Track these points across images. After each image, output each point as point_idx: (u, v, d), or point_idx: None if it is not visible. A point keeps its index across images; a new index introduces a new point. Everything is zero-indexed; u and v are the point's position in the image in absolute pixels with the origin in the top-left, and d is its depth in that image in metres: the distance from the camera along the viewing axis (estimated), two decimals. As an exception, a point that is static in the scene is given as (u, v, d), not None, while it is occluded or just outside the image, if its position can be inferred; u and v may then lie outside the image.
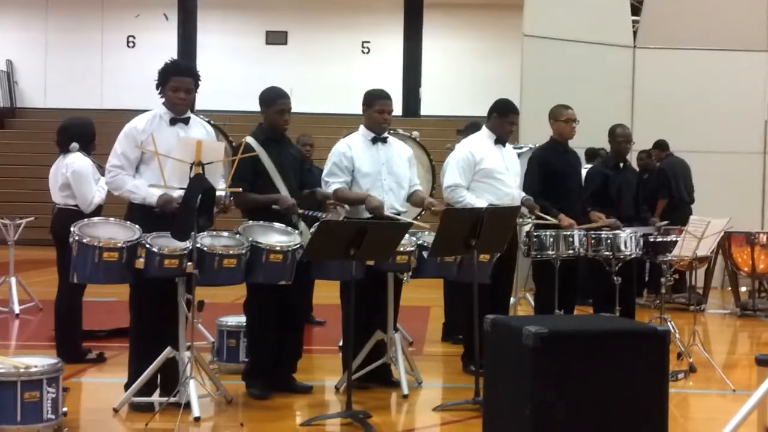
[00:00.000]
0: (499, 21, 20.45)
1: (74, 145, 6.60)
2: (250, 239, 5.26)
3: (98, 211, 6.50)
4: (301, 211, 5.66)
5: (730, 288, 10.41)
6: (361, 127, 6.11)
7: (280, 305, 5.63)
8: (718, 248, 9.17)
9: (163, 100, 5.37)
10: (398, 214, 5.98)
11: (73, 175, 6.47)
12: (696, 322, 6.88)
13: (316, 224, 5.27)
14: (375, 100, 6.04)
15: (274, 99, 5.78)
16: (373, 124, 6.04)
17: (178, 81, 5.29)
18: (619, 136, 7.55)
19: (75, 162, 6.53)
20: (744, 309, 9.78)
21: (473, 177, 6.32)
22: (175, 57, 6.89)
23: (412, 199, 6.17)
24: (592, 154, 10.25)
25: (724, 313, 10.13)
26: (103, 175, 6.42)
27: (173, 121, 5.31)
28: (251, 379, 5.65)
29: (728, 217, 6.80)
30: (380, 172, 5.98)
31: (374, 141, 6.03)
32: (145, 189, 5.15)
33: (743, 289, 10.21)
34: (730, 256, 9.88)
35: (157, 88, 5.37)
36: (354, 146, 6.00)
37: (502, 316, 4.76)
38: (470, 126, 7.78)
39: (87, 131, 6.76)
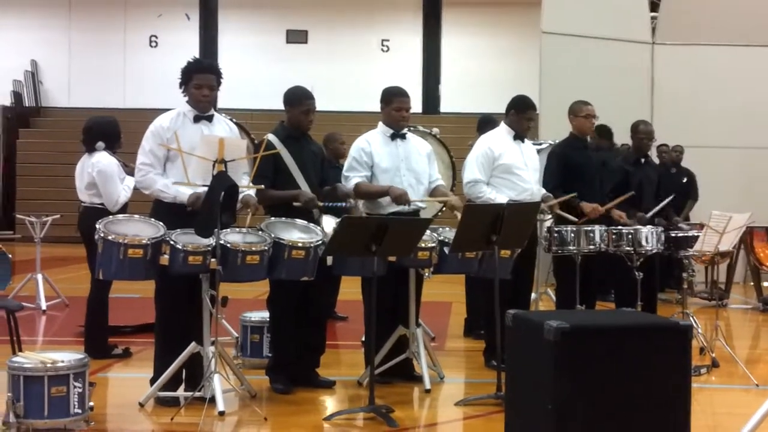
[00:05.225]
0: (518, 18, 20.42)
1: (100, 144, 6.67)
2: (273, 236, 5.31)
3: (124, 209, 6.56)
4: (322, 204, 5.70)
5: (752, 283, 10.38)
6: (380, 123, 6.13)
7: (302, 301, 5.68)
8: (740, 243, 9.15)
9: (186, 98, 5.42)
10: (417, 210, 6.01)
11: (98, 174, 6.54)
12: (718, 317, 6.87)
13: (339, 219, 5.32)
14: (393, 97, 6.07)
15: (300, 99, 5.81)
16: (391, 121, 6.07)
17: (201, 78, 5.35)
18: (641, 133, 7.54)
19: (101, 161, 6.59)
20: (766, 304, 9.75)
21: (492, 172, 6.35)
22: (197, 56, 6.96)
23: (434, 194, 6.19)
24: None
25: (746, 308, 10.09)
26: (128, 173, 6.50)
27: (197, 119, 5.37)
28: (275, 374, 5.71)
29: (750, 212, 6.79)
30: (399, 167, 6.01)
31: (393, 137, 6.06)
32: (175, 188, 5.21)
33: (766, 284, 10.17)
34: (752, 251, 9.85)
35: (181, 87, 5.43)
36: (373, 142, 6.04)
37: (524, 311, 4.77)
38: (482, 121, 7.81)
39: (112, 130, 6.81)
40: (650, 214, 7.00)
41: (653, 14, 12.46)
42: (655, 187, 7.64)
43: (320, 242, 5.38)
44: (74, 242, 6.87)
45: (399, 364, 5.93)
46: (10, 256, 9.42)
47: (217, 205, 4.93)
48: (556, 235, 6.57)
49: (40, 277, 9.06)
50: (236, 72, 17.49)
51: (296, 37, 22.34)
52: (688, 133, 11.26)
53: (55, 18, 22.05)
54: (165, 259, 5.02)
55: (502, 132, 6.51)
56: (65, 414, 4.58)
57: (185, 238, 5.05)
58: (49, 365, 4.57)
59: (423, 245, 5.65)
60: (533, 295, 7.41)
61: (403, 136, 6.10)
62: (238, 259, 5.11)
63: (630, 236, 6.68)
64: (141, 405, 5.23)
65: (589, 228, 6.62)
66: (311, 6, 22.00)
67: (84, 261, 6.66)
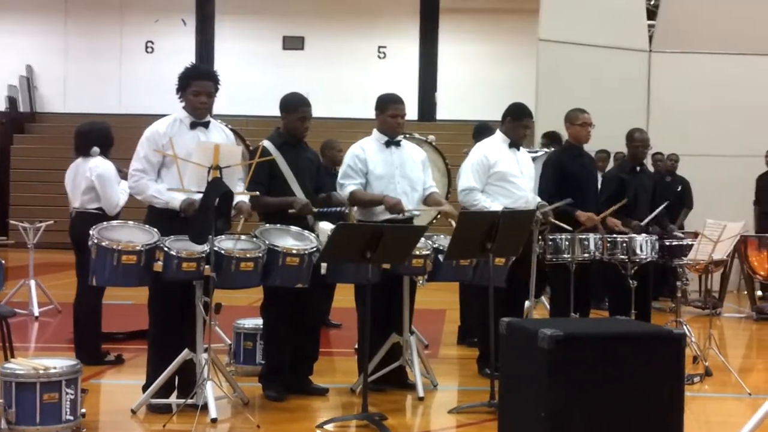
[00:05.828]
0: (515, 25, 20.44)
1: (95, 149, 6.66)
2: (267, 242, 5.30)
3: (117, 215, 6.56)
4: (316, 209, 5.70)
5: (746, 292, 10.39)
6: (375, 130, 6.14)
7: (296, 308, 5.67)
8: (734, 252, 9.16)
9: (183, 104, 5.41)
10: (411, 217, 6.01)
11: (98, 178, 6.53)
12: (712, 326, 6.87)
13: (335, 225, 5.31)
14: (388, 104, 6.07)
15: (296, 106, 5.81)
16: (386, 128, 6.07)
17: (199, 85, 5.34)
18: (637, 141, 7.54)
19: (98, 165, 6.58)
20: (760, 313, 9.76)
21: (487, 180, 6.35)
22: (194, 62, 6.96)
23: (428, 201, 6.20)
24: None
25: (740, 316, 10.10)
26: (123, 178, 6.49)
27: (194, 125, 5.36)
28: (268, 381, 5.70)
29: (744, 221, 6.79)
30: (393, 174, 6.00)
31: (387, 144, 6.06)
32: (168, 193, 5.20)
33: (759, 293, 10.19)
34: (746, 260, 9.86)
35: (178, 93, 5.41)
36: (367, 149, 6.04)
37: (518, 318, 4.77)
38: (478, 128, 7.81)
39: (106, 135, 6.81)
40: (645, 221, 7.01)
41: (650, 22, 12.48)
42: (650, 195, 7.65)
43: (315, 249, 5.38)
44: (68, 248, 6.85)
45: (392, 372, 5.92)
46: (3, 261, 9.39)
47: (211, 211, 4.92)
48: (550, 243, 6.57)
49: (32, 283, 9.04)
50: (232, 78, 17.38)
51: (293, 43, 22.34)
52: (684, 141, 11.28)
53: (51, 23, 22.02)
54: (159, 266, 5.01)
55: (498, 140, 6.52)
56: (57, 421, 4.58)
57: (179, 245, 5.04)
58: (41, 372, 4.56)
59: (417, 253, 5.64)
60: (527, 303, 7.41)
61: (397, 143, 6.10)
62: (232, 266, 5.10)
63: (624, 244, 6.69)
64: (133, 412, 5.22)
65: (584, 236, 6.62)
66: (308, 12, 22.01)
67: (77, 267, 6.65)
